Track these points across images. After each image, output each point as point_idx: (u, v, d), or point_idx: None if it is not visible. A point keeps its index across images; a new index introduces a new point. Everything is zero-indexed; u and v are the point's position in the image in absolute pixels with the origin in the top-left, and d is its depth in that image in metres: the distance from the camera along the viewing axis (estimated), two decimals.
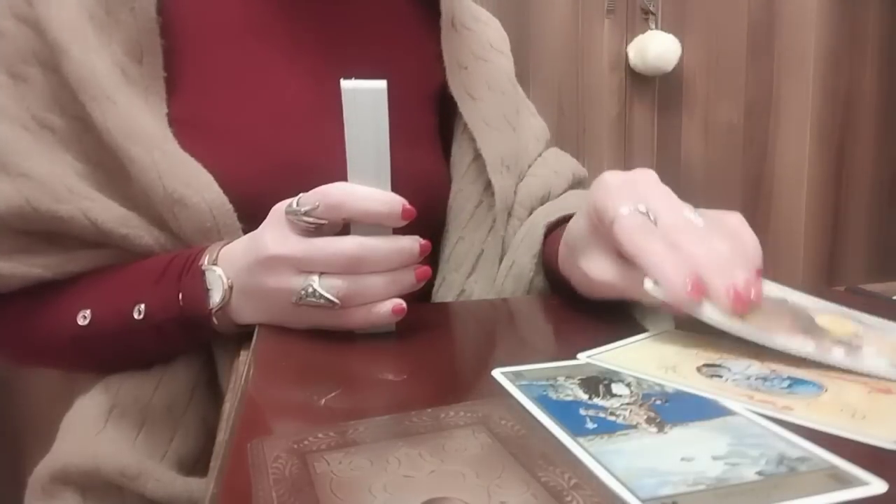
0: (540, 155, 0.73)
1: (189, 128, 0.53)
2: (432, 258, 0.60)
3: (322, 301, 0.41)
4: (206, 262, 0.47)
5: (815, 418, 0.28)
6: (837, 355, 0.34)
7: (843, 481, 0.23)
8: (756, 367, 0.35)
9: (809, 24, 1.55)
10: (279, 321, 0.45)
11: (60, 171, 0.50)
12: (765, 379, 0.33)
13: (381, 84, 0.41)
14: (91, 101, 0.50)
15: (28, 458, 0.51)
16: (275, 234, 0.43)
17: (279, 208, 0.44)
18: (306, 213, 0.42)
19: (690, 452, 0.26)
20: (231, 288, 0.46)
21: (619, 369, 0.35)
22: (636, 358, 0.37)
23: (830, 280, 1.62)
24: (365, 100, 0.41)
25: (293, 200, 0.43)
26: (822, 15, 1.55)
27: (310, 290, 0.41)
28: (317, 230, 0.42)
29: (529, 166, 0.71)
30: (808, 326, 0.37)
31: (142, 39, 0.53)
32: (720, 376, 0.34)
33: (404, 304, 0.42)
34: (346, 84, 0.40)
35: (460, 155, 0.67)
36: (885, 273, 1.64)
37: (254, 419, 0.32)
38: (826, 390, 0.32)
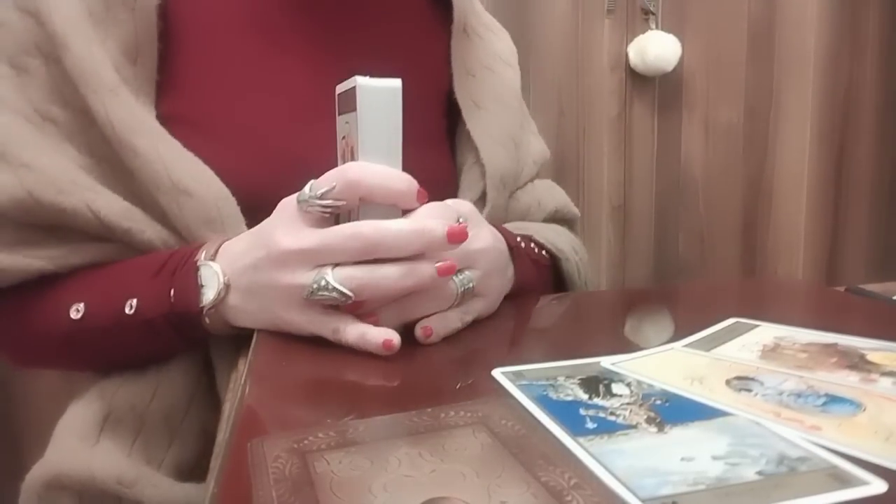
0: (531, 181, 0.73)
1: (188, 125, 0.52)
2: None
3: (335, 294, 0.39)
4: (202, 258, 0.46)
5: (842, 440, 0.27)
6: (885, 384, 0.32)
7: (843, 481, 0.23)
8: (792, 383, 0.33)
9: (809, 24, 1.55)
10: (277, 325, 0.43)
11: (63, 163, 0.49)
12: (798, 395, 0.31)
13: (397, 83, 0.40)
14: (93, 94, 0.49)
15: (28, 458, 0.50)
16: (286, 228, 0.41)
17: (288, 202, 0.43)
18: (322, 196, 0.40)
19: (690, 452, 0.26)
20: (228, 286, 0.44)
21: (642, 378, 0.34)
22: (662, 368, 0.36)
23: (830, 280, 1.61)
24: (380, 98, 0.40)
25: (305, 188, 0.41)
26: (822, 15, 1.55)
27: (322, 283, 0.39)
28: (331, 217, 0.41)
29: (518, 188, 0.70)
30: (856, 363, 0.35)
31: (139, 41, 0.52)
32: (749, 390, 0.32)
33: (396, 341, 0.40)
34: (361, 81, 0.40)
35: (460, 162, 0.67)
36: (885, 273, 1.64)
37: (254, 419, 0.32)
38: (864, 409, 0.30)
